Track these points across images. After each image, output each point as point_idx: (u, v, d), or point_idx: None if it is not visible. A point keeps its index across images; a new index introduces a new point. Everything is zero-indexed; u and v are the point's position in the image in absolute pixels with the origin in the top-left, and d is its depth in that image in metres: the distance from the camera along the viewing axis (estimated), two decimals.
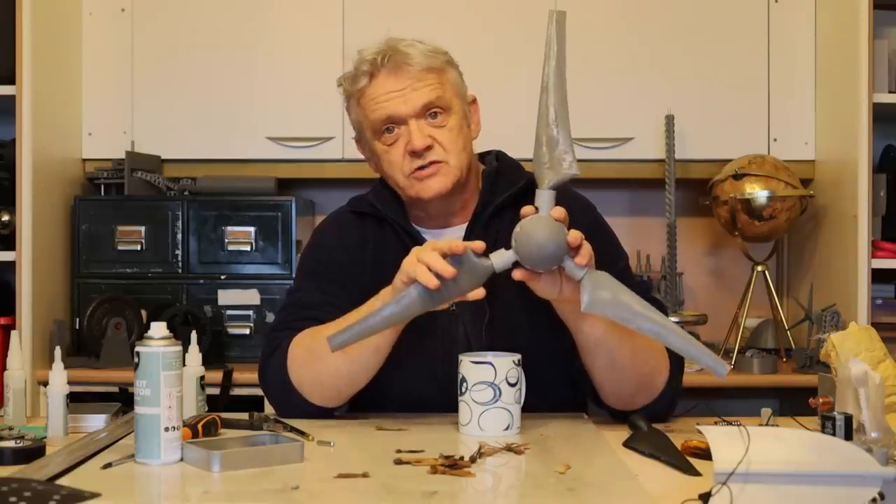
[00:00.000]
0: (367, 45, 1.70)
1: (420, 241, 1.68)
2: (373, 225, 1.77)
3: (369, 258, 1.74)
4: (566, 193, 1.74)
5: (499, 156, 1.80)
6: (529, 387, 1.54)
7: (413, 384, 1.69)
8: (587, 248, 1.44)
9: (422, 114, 1.65)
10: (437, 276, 1.42)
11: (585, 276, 1.42)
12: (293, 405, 1.64)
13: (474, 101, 1.77)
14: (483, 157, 1.82)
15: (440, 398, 1.63)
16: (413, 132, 1.64)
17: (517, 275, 1.47)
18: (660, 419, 1.62)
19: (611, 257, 1.67)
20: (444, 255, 1.44)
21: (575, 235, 1.43)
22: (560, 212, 1.44)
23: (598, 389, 1.63)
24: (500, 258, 1.44)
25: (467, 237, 1.68)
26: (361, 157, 2.94)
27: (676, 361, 1.63)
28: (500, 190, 1.73)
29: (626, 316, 1.41)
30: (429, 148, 1.65)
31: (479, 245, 1.45)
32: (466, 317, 1.68)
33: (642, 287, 1.74)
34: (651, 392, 1.61)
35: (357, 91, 1.69)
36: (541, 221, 1.42)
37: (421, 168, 1.66)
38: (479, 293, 1.46)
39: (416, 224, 1.75)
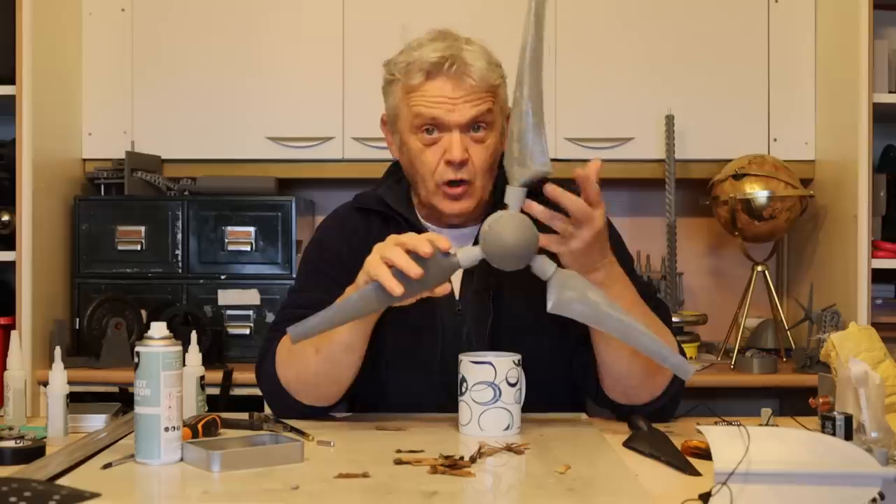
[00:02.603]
0: (423, 35, 1.67)
1: None
2: (378, 222, 1.74)
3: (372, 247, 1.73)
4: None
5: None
6: (531, 386, 1.54)
7: (413, 384, 1.69)
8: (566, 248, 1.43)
9: (467, 127, 1.63)
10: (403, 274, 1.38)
11: (553, 276, 1.39)
12: (286, 405, 1.63)
13: (510, 113, 1.72)
14: None
15: (439, 398, 1.64)
16: (454, 143, 1.61)
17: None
18: (663, 417, 1.62)
19: (616, 255, 1.67)
20: (409, 251, 1.39)
21: (546, 241, 1.42)
22: (535, 208, 1.41)
23: (603, 384, 1.62)
24: (467, 255, 1.41)
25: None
26: (361, 157, 2.95)
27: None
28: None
29: (593, 316, 1.38)
30: (463, 163, 1.62)
31: (446, 244, 1.40)
32: (470, 316, 1.68)
33: (648, 289, 1.73)
34: (654, 388, 1.60)
35: (408, 84, 1.64)
36: (508, 220, 1.39)
37: (452, 184, 1.63)
38: (444, 289, 1.42)
39: (426, 221, 1.73)
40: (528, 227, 1.39)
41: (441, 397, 1.63)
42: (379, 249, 1.42)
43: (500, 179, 1.72)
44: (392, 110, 1.70)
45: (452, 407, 1.55)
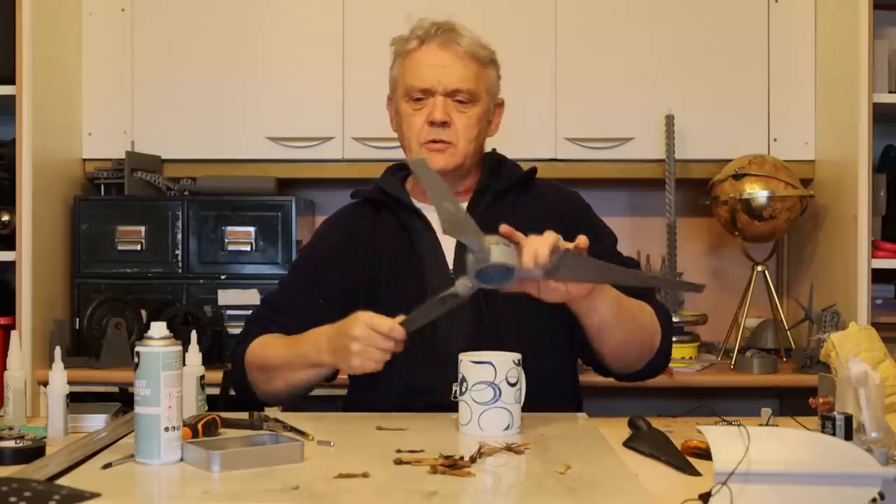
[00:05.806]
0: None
1: (422, 216, 1.82)
2: (370, 211, 1.88)
3: (364, 238, 1.85)
4: (551, 188, 1.89)
5: (495, 152, 1.93)
6: (530, 355, 1.57)
7: (409, 360, 1.69)
8: (531, 244, 1.44)
9: (451, 94, 1.79)
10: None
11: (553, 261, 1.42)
12: (246, 390, 1.84)
13: (502, 104, 1.89)
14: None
15: (436, 376, 1.68)
16: (437, 106, 1.78)
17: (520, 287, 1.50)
18: (658, 372, 1.78)
19: (598, 234, 1.74)
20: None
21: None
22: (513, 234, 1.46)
23: (606, 362, 1.75)
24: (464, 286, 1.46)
25: (470, 214, 1.76)
26: (361, 157, 2.96)
27: (665, 318, 1.76)
28: (502, 176, 1.85)
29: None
30: (445, 124, 1.78)
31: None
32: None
33: (631, 264, 1.85)
34: (651, 352, 1.74)
35: (405, 51, 1.83)
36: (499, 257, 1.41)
37: (434, 141, 1.79)
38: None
39: (418, 202, 1.85)
40: (512, 254, 1.42)
41: (437, 375, 1.67)
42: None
43: (488, 163, 1.88)
44: (392, 82, 1.88)
45: (448, 381, 1.61)
